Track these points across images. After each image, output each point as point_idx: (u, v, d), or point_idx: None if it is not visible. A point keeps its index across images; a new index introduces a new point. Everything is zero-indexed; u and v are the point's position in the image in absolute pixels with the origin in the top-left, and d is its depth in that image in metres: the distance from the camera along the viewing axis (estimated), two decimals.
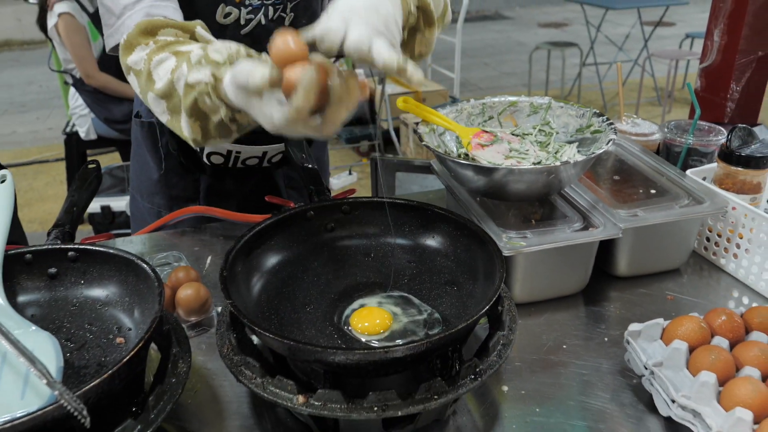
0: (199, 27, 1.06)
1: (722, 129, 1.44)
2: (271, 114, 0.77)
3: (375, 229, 1.06)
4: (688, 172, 1.26)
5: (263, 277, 0.97)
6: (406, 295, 0.96)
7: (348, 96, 0.77)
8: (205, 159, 1.41)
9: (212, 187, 1.49)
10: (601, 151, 1.12)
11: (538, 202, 1.21)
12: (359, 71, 5.15)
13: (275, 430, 0.87)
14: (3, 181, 0.98)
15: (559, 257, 1.08)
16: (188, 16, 1.14)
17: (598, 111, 1.25)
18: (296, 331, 0.90)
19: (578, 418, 0.88)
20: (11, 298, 0.91)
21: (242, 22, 1.26)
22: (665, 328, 0.93)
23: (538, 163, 1.16)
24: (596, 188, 1.22)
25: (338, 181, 4.57)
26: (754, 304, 1.11)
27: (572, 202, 1.18)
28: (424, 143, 1.18)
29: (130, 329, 0.91)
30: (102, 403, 0.73)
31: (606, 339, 1.04)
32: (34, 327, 0.86)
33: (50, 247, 0.95)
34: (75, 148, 3.85)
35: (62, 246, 0.95)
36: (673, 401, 0.84)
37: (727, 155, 1.23)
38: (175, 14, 1.11)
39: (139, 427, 0.74)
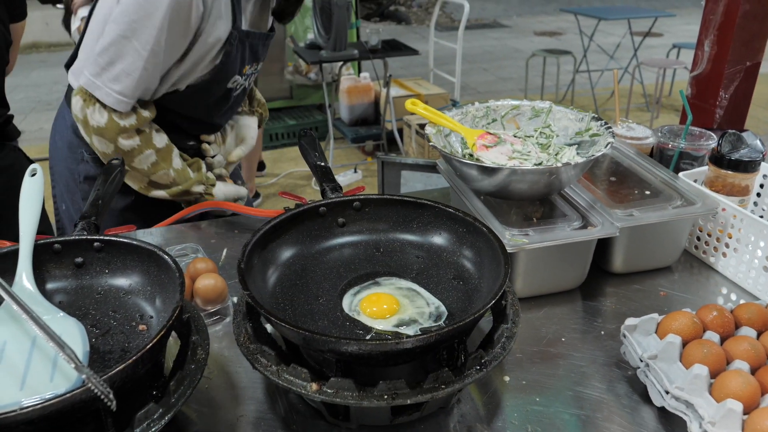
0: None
1: (712, 134, 1.42)
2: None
3: (385, 225, 1.05)
4: (680, 174, 1.25)
5: (278, 269, 0.96)
6: (414, 287, 0.95)
7: None
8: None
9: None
10: (600, 153, 1.11)
11: (539, 202, 1.20)
12: (365, 74, 5.15)
13: (288, 414, 0.86)
14: (34, 175, 0.97)
15: (559, 254, 1.07)
16: (213, 81, 1.39)
17: (596, 115, 1.24)
18: (309, 322, 0.89)
19: (576, 407, 0.88)
20: (40, 285, 0.90)
21: (237, 86, 1.49)
22: (660, 323, 0.92)
23: (540, 164, 1.15)
24: (594, 189, 1.21)
25: (344, 179, 4.56)
26: (742, 301, 1.10)
27: (571, 202, 1.17)
28: (431, 144, 1.17)
29: (151, 317, 0.90)
30: (126, 387, 0.72)
31: (602, 332, 1.03)
32: (62, 313, 0.85)
33: (77, 237, 0.94)
34: None
35: (88, 237, 0.94)
36: (667, 392, 0.84)
37: (718, 159, 1.21)
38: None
39: (160, 410, 0.73)
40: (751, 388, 0.79)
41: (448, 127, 1.23)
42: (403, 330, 0.86)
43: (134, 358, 0.70)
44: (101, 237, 0.94)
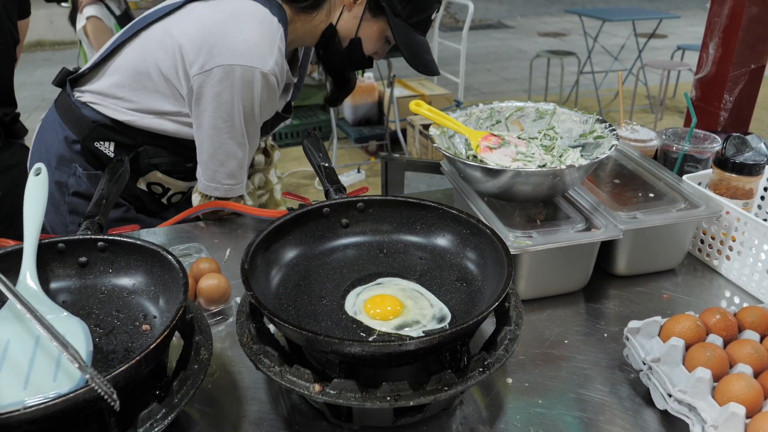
0: None
1: (717, 137, 1.42)
2: None
3: (388, 226, 1.05)
4: (684, 177, 1.25)
5: (281, 270, 0.97)
6: (417, 289, 0.95)
7: None
8: (165, 200, 1.52)
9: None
10: (604, 155, 1.11)
11: (542, 204, 1.20)
12: (368, 74, 5.13)
13: (290, 415, 0.86)
14: (38, 174, 0.98)
15: (562, 256, 1.07)
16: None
17: (600, 117, 1.24)
18: (313, 323, 0.89)
19: (578, 409, 0.87)
20: (44, 284, 0.90)
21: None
22: (663, 326, 0.92)
23: (544, 166, 1.15)
24: (598, 191, 1.21)
25: (347, 179, 4.56)
26: (745, 304, 1.10)
27: (575, 204, 1.17)
28: (435, 145, 1.17)
29: (155, 317, 0.90)
30: (129, 386, 0.72)
31: (605, 335, 1.03)
32: (65, 313, 0.86)
33: (81, 237, 0.94)
34: None
35: (92, 236, 0.94)
36: (670, 395, 0.83)
37: (722, 162, 1.21)
38: None
39: (163, 410, 0.73)
40: (754, 392, 0.79)
41: (453, 128, 1.23)
42: (406, 332, 0.86)
43: (138, 358, 0.70)
44: (105, 237, 0.94)
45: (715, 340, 0.89)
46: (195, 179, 1.42)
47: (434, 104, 4.76)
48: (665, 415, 0.85)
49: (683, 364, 0.86)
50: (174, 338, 0.90)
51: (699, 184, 1.27)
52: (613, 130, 1.20)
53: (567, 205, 1.17)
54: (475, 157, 1.19)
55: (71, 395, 0.65)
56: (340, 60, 1.43)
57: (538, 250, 1.03)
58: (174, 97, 1.33)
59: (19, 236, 0.95)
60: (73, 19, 3.63)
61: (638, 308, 1.10)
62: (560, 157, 1.20)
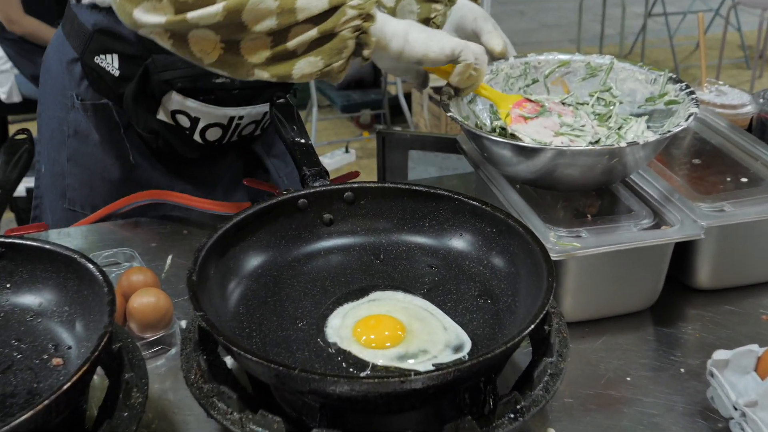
0: None
1: None
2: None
3: (386, 224, 1.05)
4: None
5: (242, 282, 0.97)
6: (426, 307, 0.95)
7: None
8: (197, 137, 1.44)
9: (194, 176, 1.53)
10: (679, 128, 1.11)
11: (595, 193, 1.21)
12: None
13: None
14: None
15: (622, 263, 1.08)
16: None
17: (674, 75, 1.25)
18: (284, 353, 0.89)
19: None
20: None
21: None
22: (761, 357, 0.93)
23: (597, 142, 1.16)
24: (670, 175, 1.22)
25: (331, 161, 4.56)
26: None
27: (639, 193, 1.17)
28: (449, 114, 1.17)
29: (69, 347, 0.91)
30: None
31: (682, 370, 1.04)
32: None
33: None
34: None
35: None
36: None
37: None
38: None
39: None
40: None
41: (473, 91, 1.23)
42: (410, 365, 0.87)
43: (45, 403, 0.71)
44: (1, 239, 0.95)
45: None
46: (231, 103, 1.41)
47: None
48: None
49: None
50: (96, 376, 0.90)
51: None
52: (692, 92, 1.20)
53: (628, 194, 1.18)
54: (504, 129, 1.20)
55: None
56: None
57: (589, 254, 1.04)
58: None
59: None
60: None
61: (727, 334, 1.11)
62: (619, 129, 1.20)
